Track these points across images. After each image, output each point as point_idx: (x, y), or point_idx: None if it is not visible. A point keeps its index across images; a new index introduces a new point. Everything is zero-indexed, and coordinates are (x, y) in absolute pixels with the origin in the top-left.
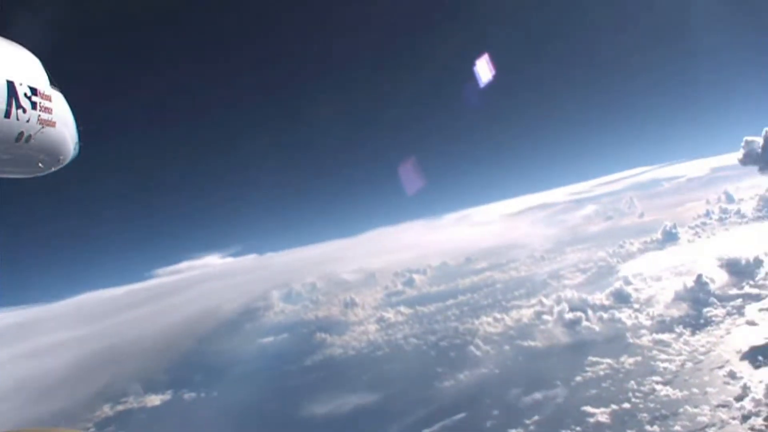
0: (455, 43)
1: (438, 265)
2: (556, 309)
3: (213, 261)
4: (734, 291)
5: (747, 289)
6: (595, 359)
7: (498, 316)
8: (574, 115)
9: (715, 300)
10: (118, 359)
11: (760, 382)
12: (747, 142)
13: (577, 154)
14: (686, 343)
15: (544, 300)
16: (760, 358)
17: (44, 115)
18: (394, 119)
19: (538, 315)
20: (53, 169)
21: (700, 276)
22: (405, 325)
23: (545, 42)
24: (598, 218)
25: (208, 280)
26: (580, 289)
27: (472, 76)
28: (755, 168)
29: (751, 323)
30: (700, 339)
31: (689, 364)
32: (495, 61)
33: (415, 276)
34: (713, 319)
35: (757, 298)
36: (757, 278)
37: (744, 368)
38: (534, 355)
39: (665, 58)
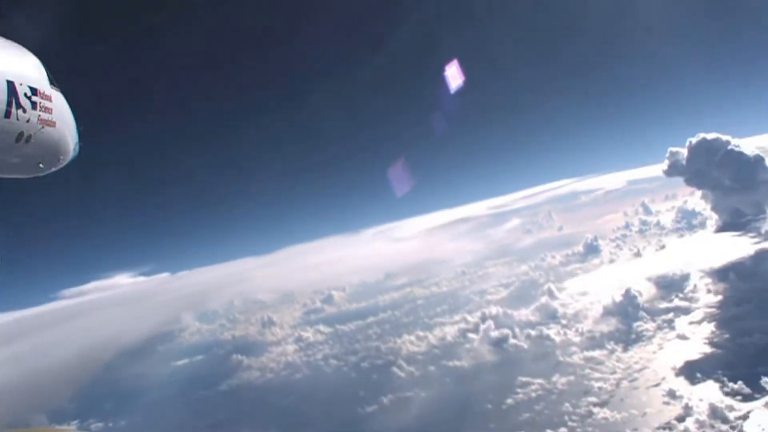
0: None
1: (357, 281)
2: (482, 327)
3: (122, 281)
4: (663, 304)
5: (676, 302)
6: (525, 379)
7: (421, 334)
8: (492, 129)
9: (644, 314)
10: (19, 389)
11: (701, 400)
12: (672, 153)
13: (497, 168)
14: (619, 359)
15: (468, 317)
16: (698, 374)
17: (44, 115)
18: (312, 135)
19: (463, 333)
20: (53, 169)
21: (628, 290)
22: (324, 344)
23: (468, 55)
24: (517, 232)
25: (118, 301)
26: (504, 305)
27: (386, 92)
28: (680, 179)
29: (683, 337)
30: (633, 355)
31: (625, 383)
32: (415, 78)
33: (334, 293)
34: (644, 333)
35: (687, 311)
36: (685, 291)
37: (682, 385)
38: (461, 377)
39: (582, 72)
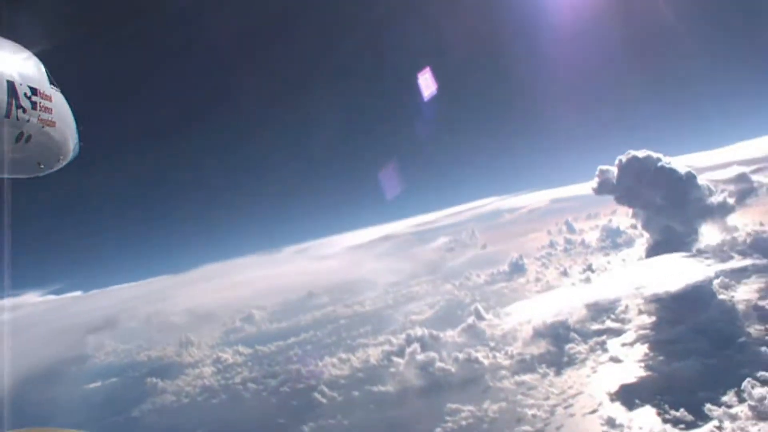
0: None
1: (279, 300)
2: (408, 350)
3: (31, 299)
4: (595, 326)
5: (608, 324)
6: (455, 406)
7: (344, 356)
8: (416, 147)
9: (576, 336)
10: None
11: (640, 428)
12: (601, 172)
13: (422, 186)
14: (552, 384)
15: (393, 339)
16: (636, 400)
17: (44, 115)
18: (228, 152)
19: (388, 356)
20: (53, 169)
21: (558, 311)
22: (244, 366)
23: (394, 75)
24: (441, 250)
25: (26, 321)
26: (430, 325)
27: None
28: (603, 198)
29: (616, 360)
30: (567, 379)
31: (560, 409)
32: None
33: (255, 312)
34: (576, 356)
35: (618, 332)
36: (617, 312)
37: (619, 411)
38: (386, 403)
39: (506, 91)
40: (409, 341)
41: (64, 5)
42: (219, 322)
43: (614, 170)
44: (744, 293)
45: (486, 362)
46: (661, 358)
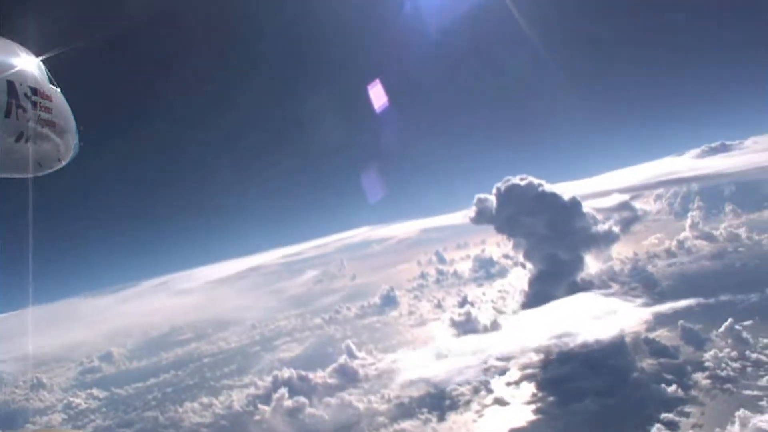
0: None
1: (139, 336)
2: (275, 395)
3: None
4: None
5: (490, 362)
6: None
7: (206, 400)
8: (284, 177)
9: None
10: None
11: None
12: (479, 200)
13: (290, 216)
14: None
15: (259, 381)
16: None
17: (44, 115)
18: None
19: (253, 401)
20: (53, 169)
21: (437, 347)
22: (97, 413)
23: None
24: (310, 282)
25: None
26: (299, 365)
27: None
28: (473, 227)
29: (502, 402)
30: (452, 425)
31: None
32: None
33: (114, 349)
34: (459, 398)
35: (502, 370)
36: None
37: None
38: None
39: (371, 120)
40: (276, 385)
41: (64, 5)
42: (75, 361)
43: (492, 199)
44: (631, 325)
45: (361, 407)
46: (551, 398)
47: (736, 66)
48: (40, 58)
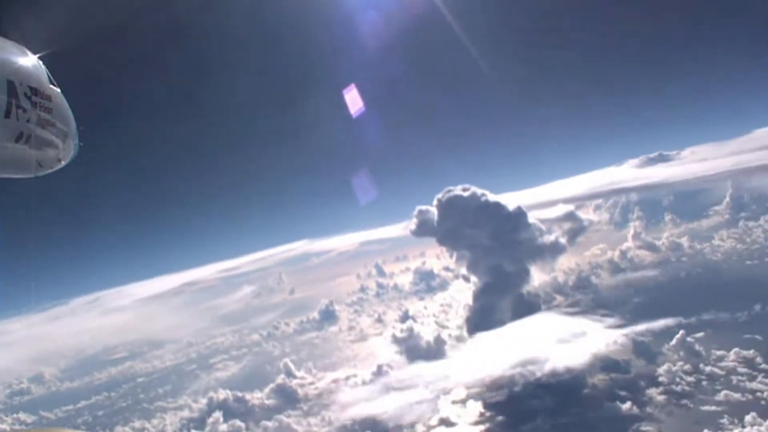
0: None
1: (72, 356)
2: (209, 419)
3: None
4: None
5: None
6: None
7: (137, 425)
8: (220, 189)
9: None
10: None
11: None
12: (420, 212)
13: (228, 230)
14: None
15: (193, 403)
16: None
17: (44, 115)
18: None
19: (187, 425)
20: (53, 169)
21: (380, 366)
22: None
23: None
24: (248, 297)
25: None
26: (235, 385)
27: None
28: (414, 240)
29: (448, 422)
30: None
31: None
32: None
33: (45, 369)
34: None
35: (445, 390)
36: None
37: None
38: None
39: (305, 133)
40: (211, 407)
41: (64, 5)
42: (4, 383)
43: (434, 210)
44: (601, 348)
45: (300, 430)
46: (500, 418)
47: (673, 77)
48: (40, 57)
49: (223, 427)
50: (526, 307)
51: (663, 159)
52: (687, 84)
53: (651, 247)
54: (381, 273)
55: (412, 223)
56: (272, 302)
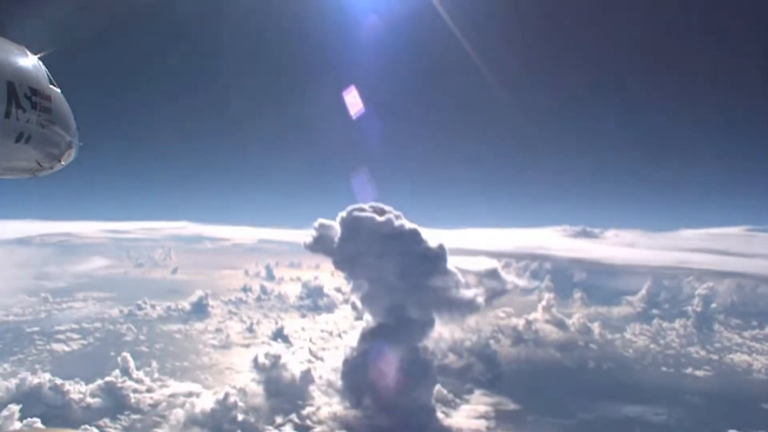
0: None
1: None
2: (3, 412)
3: None
4: (278, 418)
5: (295, 419)
6: None
7: None
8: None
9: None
10: None
11: None
12: (321, 226)
13: (116, 192)
14: None
15: (7, 383)
16: None
17: (44, 116)
18: None
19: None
20: (53, 170)
21: (227, 393)
22: None
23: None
24: (129, 264)
25: None
26: (64, 365)
27: None
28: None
29: None
30: None
31: None
32: None
33: None
34: None
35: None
36: (305, 401)
37: None
38: None
39: (235, 127)
40: (18, 392)
41: (64, 5)
42: None
43: (337, 227)
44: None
45: None
46: None
47: (609, 160)
48: (40, 58)
49: (15, 426)
50: (419, 366)
51: (587, 234)
52: (624, 166)
53: (560, 325)
54: (270, 276)
55: (309, 236)
56: (150, 276)
